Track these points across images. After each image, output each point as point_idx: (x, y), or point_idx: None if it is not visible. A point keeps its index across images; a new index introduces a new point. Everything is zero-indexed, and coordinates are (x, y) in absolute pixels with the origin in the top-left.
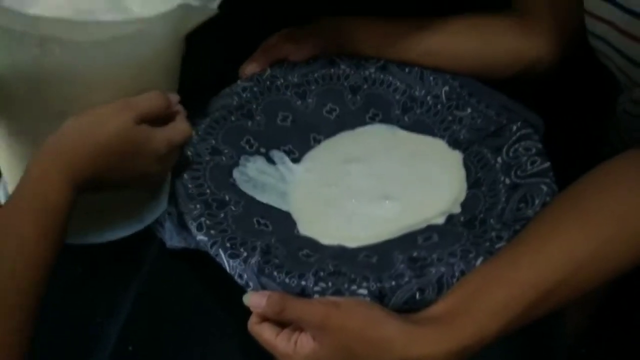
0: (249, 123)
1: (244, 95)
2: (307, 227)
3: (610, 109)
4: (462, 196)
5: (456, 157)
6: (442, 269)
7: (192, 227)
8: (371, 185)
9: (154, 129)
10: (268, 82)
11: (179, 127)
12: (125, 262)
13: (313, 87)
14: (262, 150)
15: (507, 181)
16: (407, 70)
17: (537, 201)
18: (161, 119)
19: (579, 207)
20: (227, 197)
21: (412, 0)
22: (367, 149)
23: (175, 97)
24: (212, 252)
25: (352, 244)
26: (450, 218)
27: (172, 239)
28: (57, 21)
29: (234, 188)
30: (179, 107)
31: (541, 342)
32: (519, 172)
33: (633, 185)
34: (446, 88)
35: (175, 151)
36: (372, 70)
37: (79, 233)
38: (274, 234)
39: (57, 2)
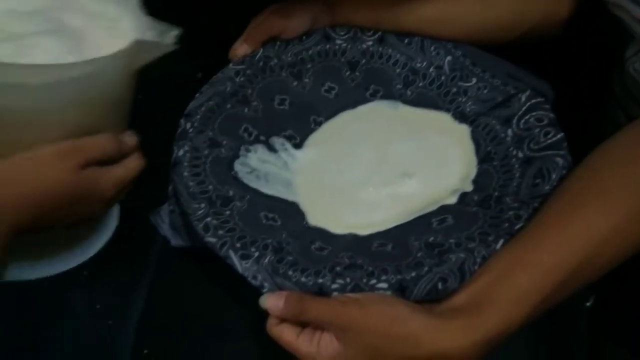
0: (245, 110)
1: (238, 79)
2: (316, 217)
3: (617, 66)
4: (473, 172)
5: (464, 130)
6: (462, 256)
7: (199, 228)
8: (379, 166)
9: (101, 172)
10: (261, 64)
11: (131, 165)
12: (131, 263)
13: (309, 66)
14: (262, 138)
15: (520, 155)
16: (406, 41)
17: (553, 176)
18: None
19: (597, 183)
20: (231, 193)
21: None
22: (370, 128)
23: (130, 139)
24: (221, 253)
25: (364, 231)
26: (463, 197)
27: (177, 238)
28: (5, 65)
29: (237, 182)
30: (133, 143)
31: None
32: (532, 145)
33: None
34: (449, 58)
35: (125, 188)
36: (370, 43)
37: (15, 269)
38: (284, 228)
39: None
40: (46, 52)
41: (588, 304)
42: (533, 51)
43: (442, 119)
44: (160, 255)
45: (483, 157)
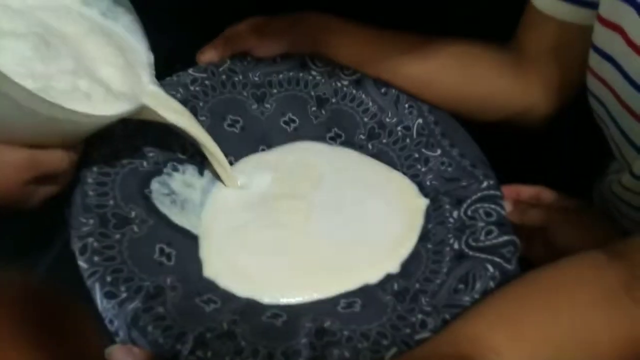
0: None
1: (192, 88)
2: (213, 269)
3: (597, 178)
4: (407, 252)
5: (420, 208)
6: (346, 355)
7: (75, 246)
8: (312, 220)
9: (37, 190)
10: (224, 77)
11: (63, 182)
12: (29, 252)
13: (275, 91)
14: (198, 158)
15: (456, 246)
16: (383, 90)
17: (477, 285)
18: None
19: (512, 317)
20: (132, 214)
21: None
22: (321, 168)
23: (74, 157)
24: (87, 283)
25: (265, 299)
26: (387, 280)
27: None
28: (26, 91)
29: (146, 202)
30: (75, 159)
31: None
32: (470, 240)
33: (576, 306)
34: (419, 121)
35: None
36: (345, 82)
37: None
38: (175, 270)
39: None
40: (13, 55)
41: None
42: (513, 144)
43: (404, 188)
44: (60, 251)
45: (421, 235)
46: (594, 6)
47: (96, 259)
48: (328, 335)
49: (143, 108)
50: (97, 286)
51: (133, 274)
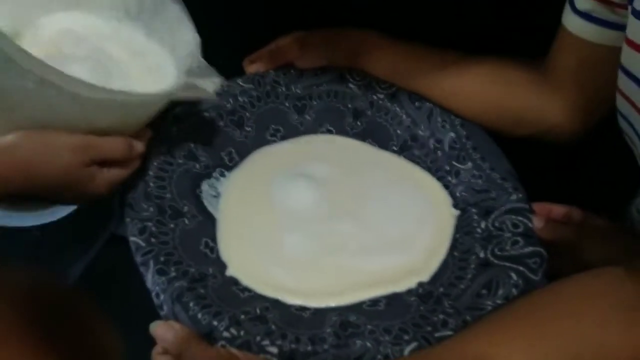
0: (237, 133)
1: (241, 99)
2: (234, 269)
3: (631, 196)
4: (438, 262)
5: (451, 219)
6: (368, 345)
7: (134, 227)
8: (341, 230)
9: (100, 172)
10: (269, 87)
11: (128, 168)
12: (80, 240)
13: (314, 103)
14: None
15: (481, 255)
16: (417, 104)
17: (500, 292)
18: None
19: (529, 325)
20: (185, 208)
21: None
22: (358, 173)
23: (139, 145)
24: (140, 260)
25: (291, 302)
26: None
27: (119, 228)
28: (66, 76)
29: (197, 200)
30: (141, 150)
31: None
32: (496, 250)
33: (593, 318)
34: (452, 134)
35: (116, 188)
36: (381, 96)
37: None
38: (216, 262)
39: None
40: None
41: None
42: (544, 162)
43: (440, 199)
44: (109, 239)
45: (449, 245)
46: (622, 28)
47: (153, 240)
48: (352, 327)
49: (187, 86)
50: (151, 262)
51: (182, 259)
